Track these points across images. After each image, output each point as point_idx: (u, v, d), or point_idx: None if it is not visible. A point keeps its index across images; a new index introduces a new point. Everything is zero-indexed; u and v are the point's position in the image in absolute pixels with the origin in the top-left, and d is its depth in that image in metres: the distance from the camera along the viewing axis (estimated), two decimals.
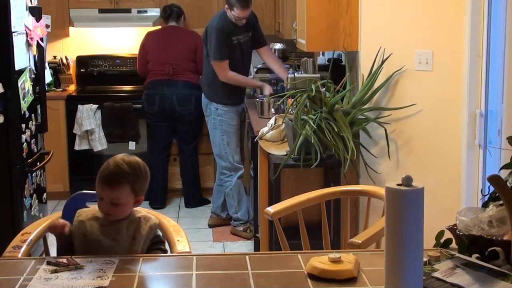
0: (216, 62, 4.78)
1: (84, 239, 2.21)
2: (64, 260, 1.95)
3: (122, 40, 6.39)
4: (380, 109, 3.83)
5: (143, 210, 2.32)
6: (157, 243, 2.26)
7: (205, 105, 5.04)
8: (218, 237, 4.99)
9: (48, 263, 1.95)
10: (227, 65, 4.78)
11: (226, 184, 4.98)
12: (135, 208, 2.27)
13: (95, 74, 6.23)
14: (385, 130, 3.76)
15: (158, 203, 5.66)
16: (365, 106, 3.84)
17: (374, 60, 3.79)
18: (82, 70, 6.24)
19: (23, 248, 2.27)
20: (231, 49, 4.78)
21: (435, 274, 1.73)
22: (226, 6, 4.73)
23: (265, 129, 4.08)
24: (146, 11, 6.10)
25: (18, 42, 3.99)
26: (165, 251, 2.27)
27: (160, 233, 2.33)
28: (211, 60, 4.80)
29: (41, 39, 4.34)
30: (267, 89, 4.86)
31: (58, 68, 6.15)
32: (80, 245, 2.22)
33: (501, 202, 1.80)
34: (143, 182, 2.23)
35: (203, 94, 5.07)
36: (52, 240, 2.55)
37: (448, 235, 1.91)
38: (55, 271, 1.90)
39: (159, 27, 5.86)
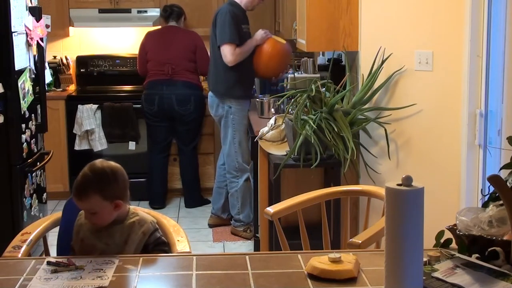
0: (226, 45, 4.67)
1: (81, 244, 2.22)
2: (64, 260, 1.95)
3: (122, 40, 6.39)
4: (380, 109, 3.83)
5: (140, 212, 2.28)
6: (159, 245, 2.23)
7: (215, 104, 4.93)
8: (218, 237, 4.99)
9: (48, 263, 1.94)
10: (234, 49, 4.68)
11: (231, 185, 4.94)
12: (133, 210, 2.25)
13: (95, 74, 6.24)
14: (385, 130, 3.76)
15: (158, 203, 5.66)
16: (365, 106, 3.84)
17: (374, 60, 3.79)
18: (82, 70, 6.24)
19: (23, 248, 2.27)
20: (242, 37, 4.72)
21: (435, 274, 1.73)
22: None
23: (265, 129, 4.08)
24: (146, 11, 6.10)
25: (18, 42, 3.99)
26: (167, 253, 2.24)
27: (159, 234, 2.27)
28: (221, 44, 4.70)
29: (41, 39, 4.34)
30: (259, 33, 4.77)
31: (58, 68, 6.15)
32: (80, 251, 2.22)
33: (501, 202, 1.80)
34: (113, 187, 2.17)
35: (210, 94, 4.99)
36: (52, 240, 2.56)
37: (448, 235, 1.91)
38: (55, 271, 1.90)
39: (159, 27, 5.85)
